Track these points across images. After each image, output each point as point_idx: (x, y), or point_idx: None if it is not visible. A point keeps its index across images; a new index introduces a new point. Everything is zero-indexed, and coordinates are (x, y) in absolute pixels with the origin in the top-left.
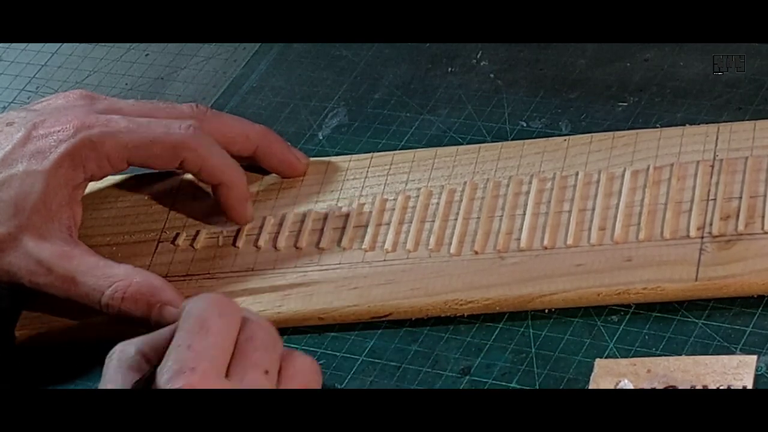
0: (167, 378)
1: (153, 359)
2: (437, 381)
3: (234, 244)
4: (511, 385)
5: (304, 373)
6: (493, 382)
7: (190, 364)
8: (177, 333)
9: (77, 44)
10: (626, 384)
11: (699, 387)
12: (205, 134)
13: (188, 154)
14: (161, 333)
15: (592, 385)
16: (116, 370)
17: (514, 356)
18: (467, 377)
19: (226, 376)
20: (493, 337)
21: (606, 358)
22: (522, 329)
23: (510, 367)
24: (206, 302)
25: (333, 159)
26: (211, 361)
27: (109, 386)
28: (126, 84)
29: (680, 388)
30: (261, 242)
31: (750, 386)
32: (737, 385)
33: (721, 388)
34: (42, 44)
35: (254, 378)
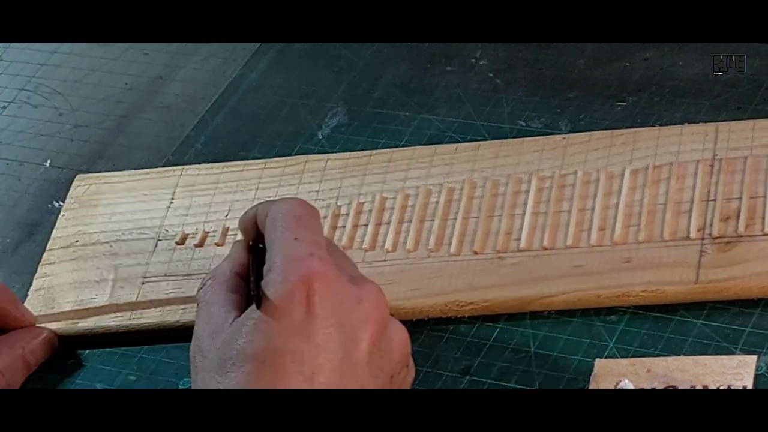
0: (277, 273)
1: (245, 278)
2: (437, 381)
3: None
4: (511, 384)
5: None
6: (493, 382)
7: (308, 251)
8: (272, 234)
9: (76, 44)
10: (626, 384)
11: (699, 387)
12: None
13: None
14: (240, 253)
15: (592, 385)
16: (216, 294)
17: (513, 356)
18: (467, 377)
19: None
20: (493, 337)
21: (605, 358)
22: (521, 329)
23: (509, 367)
24: (291, 202)
25: (332, 156)
26: (325, 249)
27: (215, 310)
28: (125, 83)
29: (680, 388)
30: None
31: (750, 386)
32: (737, 385)
33: (721, 388)
34: (41, 44)
35: (347, 261)
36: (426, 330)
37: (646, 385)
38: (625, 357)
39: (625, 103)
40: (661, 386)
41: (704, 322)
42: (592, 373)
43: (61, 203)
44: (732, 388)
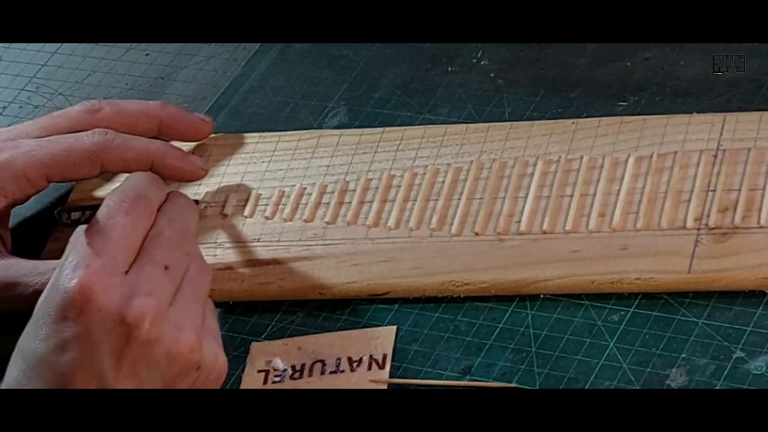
0: (65, 274)
1: None
2: (437, 381)
3: (242, 214)
4: (512, 385)
5: (200, 276)
6: (494, 381)
7: (86, 261)
8: (87, 227)
9: (77, 44)
10: (277, 362)
11: (344, 358)
12: (112, 132)
13: (106, 155)
14: None
15: (247, 368)
16: None
17: (514, 356)
18: (467, 377)
19: (127, 271)
20: (494, 336)
21: (606, 357)
22: (522, 329)
23: (510, 367)
24: (117, 198)
25: (345, 132)
26: (110, 258)
27: None
28: (126, 84)
29: (327, 361)
30: (268, 213)
31: (389, 353)
32: (378, 354)
33: (363, 357)
34: (42, 44)
35: (150, 272)
36: (426, 330)
37: (297, 362)
38: (627, 357)
39: (626, 103)
40: (310, 361)
41: (706, 321)
42: (248, 356)
43: (62, 203)
44: (373, 356)
